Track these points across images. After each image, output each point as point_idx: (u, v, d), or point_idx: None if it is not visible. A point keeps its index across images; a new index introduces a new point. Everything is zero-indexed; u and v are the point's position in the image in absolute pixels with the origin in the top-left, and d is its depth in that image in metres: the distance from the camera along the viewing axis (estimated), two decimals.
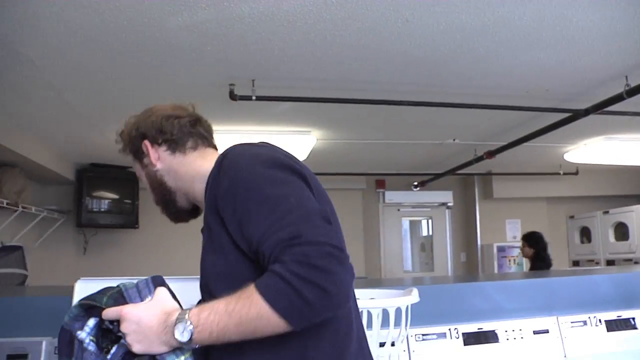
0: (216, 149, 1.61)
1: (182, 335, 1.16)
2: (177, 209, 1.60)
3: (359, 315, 1.43)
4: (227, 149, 1.35)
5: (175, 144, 1.55)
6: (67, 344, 1.35)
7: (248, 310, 1.11)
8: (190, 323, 1.16)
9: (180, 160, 1.54)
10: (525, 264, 7.84)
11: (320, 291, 1.08)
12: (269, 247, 1.13)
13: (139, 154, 1.60)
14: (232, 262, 1.25)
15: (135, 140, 1.58)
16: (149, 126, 1.56)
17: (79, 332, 1.33)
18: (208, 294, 1.30)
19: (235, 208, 1.22)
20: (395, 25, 3.09)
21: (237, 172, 1.25)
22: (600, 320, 2.75)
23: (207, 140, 1.60)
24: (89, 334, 1.34)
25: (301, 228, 1.13)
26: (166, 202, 1.60)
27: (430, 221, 9.26)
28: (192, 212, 1.61)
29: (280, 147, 1.42)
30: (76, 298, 1.89)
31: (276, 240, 1.12)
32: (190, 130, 1.56)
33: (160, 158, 1.55)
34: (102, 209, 7.16)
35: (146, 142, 1.56)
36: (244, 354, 1.22)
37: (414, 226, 9.49)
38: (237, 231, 1.21)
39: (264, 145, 1.38)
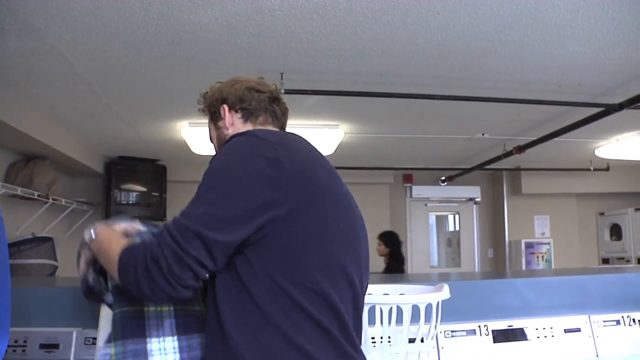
0: (282, 127, 1.75)
1: (85, 234, 1.62)
2: None
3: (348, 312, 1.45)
4: (247, 131, 1.53)
5: (249, 114, 1.67)
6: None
7: (111, 254, 1.41)
8: (93, 231, 1.60)
9: (248, 129, 1.62)
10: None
11: (145, 286, 1.32)
12: (164, 227, 1.37)
13: (215, 116, 1.72)
14: None
15: (216, 102, 1.71)
16: (232, 93, 1.69)
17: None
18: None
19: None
20: (426, 18, 3.05)
21: (215, 158, 1.45)
22: (634, 319, 2.69)
23: (278, 120, 1.72)
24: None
25: (178, 236, 1.31)
26: None
27: (457, 216, 9.20)
28: None
29: (305, 142, 1.58)
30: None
31: (166, 229, 1.35)
32: (267, 107, 1.69)
33: (233, 123, 1.67)
34: (131, 202, 7.23)
35: (225, 106, 1.68)
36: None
37: (441, 221, 9.44)
38: None
39: (265, 140, 1.44)
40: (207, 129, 1.79)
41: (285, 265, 1.35)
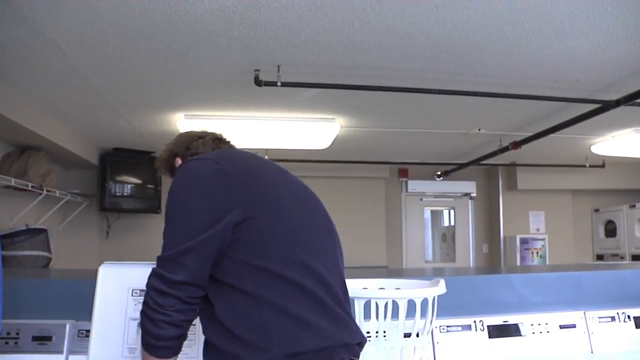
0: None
1: None
2: None
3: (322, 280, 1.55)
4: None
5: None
6: None
7: None
8: None
9: None
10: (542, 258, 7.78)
11: (144, 334, 1.45)
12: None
13: (174, 171, 1.93)
14: None
15: (169, 160, 1.94)
16: (179, 146, 1.94)
17: None
18: None
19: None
20: (425, 12, 3.03)
21: (170, 186, 1.59)
22: (629, 316, 2.69)
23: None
24: None
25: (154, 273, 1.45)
26: None
27: (452, 211, 9.21)
28: None
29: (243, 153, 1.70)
30: (100, 282, 1.90)
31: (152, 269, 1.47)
32: (212, 146, 1.91)
33: None
34: (125, 194, 7.21)
35: (177, 159, 1.92)
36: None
37: (436, 216, 9.44)
38: None
39: (210, 159, 1.59)
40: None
41: (260, 250, 1.47)
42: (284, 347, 1.40)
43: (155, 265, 1.46)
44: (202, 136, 1.94)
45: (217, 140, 1.94)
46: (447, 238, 9.34)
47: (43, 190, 5.48)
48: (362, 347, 1.58)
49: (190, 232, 1.44)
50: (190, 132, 2.00)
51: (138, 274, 1.86)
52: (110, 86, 4.36)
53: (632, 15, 3.08)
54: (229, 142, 1.99)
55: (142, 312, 1.44)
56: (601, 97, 4.42)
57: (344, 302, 1.58)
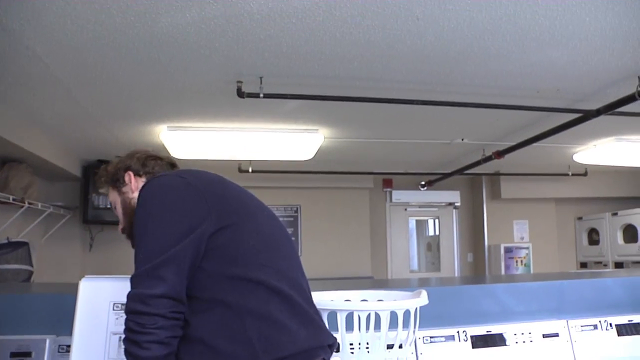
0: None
1: None
2: None
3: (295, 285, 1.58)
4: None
5: (152, 176, 1.83)
6: None
7: None
8: None
9: None
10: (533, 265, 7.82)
11: (138, 350, 1.38)
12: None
13: (118, 184, 1.89)
14: None
15: (119, 171, 1.88)
16: (135, 161, 1.90)
17: None
18: None
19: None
20: (406, 23, 3.05)
21: (136, 207, 1.56)
22: (611, 324, 2.71)
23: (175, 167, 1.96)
24: None
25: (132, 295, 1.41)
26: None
27: (437, 221, 9.23)
28: None
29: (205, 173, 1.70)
30: (80, 296, 1.88)
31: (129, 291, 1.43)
32: (167, 169, 1.91)
33: (139, 187, 1.73)
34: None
35: (130, 172, 1.87)
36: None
37: (421, 226, 9.45)
38: None
39: (169, 175, 1.64)
40: (113, 194, 1.93)
41: (236, 258, 1.48)
42: (269, 354, 1.40)
43: (130, 288, 1.42)
44: (159, 157, 1.94)
45: (173, 166, 1.96)
46: (432, 247, 9.35)
47: (25, 203, 5.42)
48: (334, 348, 1.60)
49: (164, 245, 1.43)
50: (145, 150, 1.98)
51: (119, 288, 1.84)
52: (93, 97, 4.33)
53: (610, 26, 3.11)
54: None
55: (126, 339, 1.39)
56: (582, 107, 4.46)
57: (313, 304, 1.62)
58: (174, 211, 1.48)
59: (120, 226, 1.92)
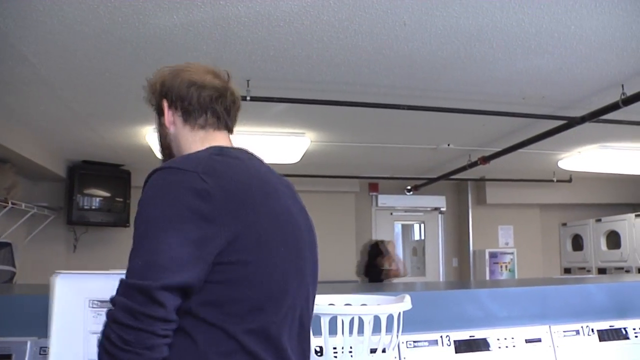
0: (227, 130, 1.59)
1: None
2: None
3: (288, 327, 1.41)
4: (164, 164, 1.36)
5: (189, 115, 1.53)
6: None
7: None
8: None
9: (186, 133, 1.54)
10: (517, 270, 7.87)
11: None
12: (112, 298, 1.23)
13: (158, 110, 1.58)
14: None
15: (158, 96, 1.56)
16: (173, 87, 1.52)
17: None
18: None
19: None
20: (393, 28, 3.06)
21: (140, 202, 1.32)
22: (592, 329, 2.73)
23: (220, 120, 1.55)
24: None
25: (123, 299, 1.20)
26: None
27: (422, 226, 9.25)
28: None
29: (245, 157, 1.48)
30: (55, 294, 1.82)
31: (112, 299, 1.22)
32: (207, 106, 1.52)
33: (174, 123, 1.54)
34: (93, 207, 7.11)
35: (165, 102, 1.54)
36: None
37: (406, 230, 9.47)
38: None
39: (190, 171, 1.31)
40: (155, 114, 1.62)
41: (227, 306, 1.27)
42: None
43: (118, 292, 1.22)
44: (202, 85, 1.52)
45: (217, 98, 1.54)
46: (417, 252, 9.37)
47: (8, 203, 5.38)
48: None
49: (167, 264, 1.21)
50: (192, 70, 1.55)
51: (95, 284, 1.79)
52: (80, 98, 4.31)
53: (595, 34, 3.14)
54: (234, 100, 1.60)
55: (103, 350, 1.19)
56: (567, 114, 4.50)
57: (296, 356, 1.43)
58: (182, 223, 1.25)
59: (161, 155, 1.63)
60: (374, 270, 6.12)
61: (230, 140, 1.58)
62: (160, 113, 1.57)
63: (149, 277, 1.20)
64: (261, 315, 1.31)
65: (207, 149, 1.45)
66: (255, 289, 1.30)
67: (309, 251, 1.51)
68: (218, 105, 1.53)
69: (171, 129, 1.54)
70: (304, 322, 1.48)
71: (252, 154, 1.55)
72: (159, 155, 1.64)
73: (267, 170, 1.55)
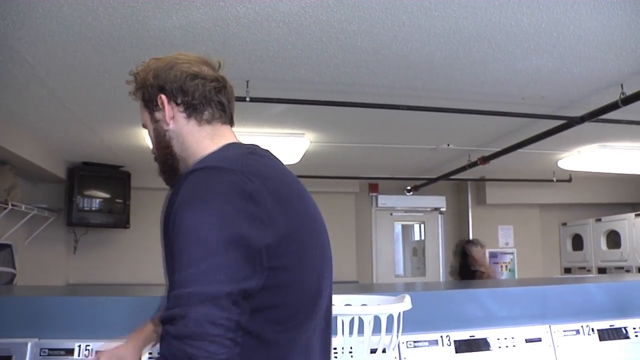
0: (231, 124, 1.51)
1: None
2: (176, 177, 1.45)
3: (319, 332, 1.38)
4: (196, 167, 1.27)
5: (193, 110, 1.42)
6: None
7: None
8: None
9: (192, 129, 1.43)
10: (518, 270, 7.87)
11: None
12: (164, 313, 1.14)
13: (151, 105, 1.45)
14: None
15: (151, 88, 1.44)
16: (171, 79, 1.41)
17: None
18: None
19: (170, 239, 1.21)
20: (392, 29, 3.06)
21: (180, 211, 1.19)
22: (592, 329, 2.73)
23: (225, 113, 1.46)
24: None
25: (184, 314, 1.09)
26: (166, 166, 1.48)
27: (422, 226, 9.24)
28: None
29: (269, 156, 1.42)
30: None
31: (165, 313, 1.13)
32: (213, 98, 1.43)
33: (175, 118, 1.43)
34: (93, 208, 7.11)
35: (163, 97, 1.42)
36: None
37: (406, 231, 9.46)
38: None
39: (225, 172, 1.24)
40: (144, 114, 1.50)
41: (267, 313, 1.21)
42: None
43: (181, 303, 1.10)
44: (204, 76, 1.43)
45: (220, 90, 1.45)
46: (417, 252, 9.37)
47: (8, 205, 5.38)
48: None
49: (227, 270, 1.13)
50: (187, 61, 1.45)
51: None
52: (79, 99, 4.31)
53: (594, 34, 3.14)
54: (233, 90, 1.52)
55: None
56: (566, 114, 4.50)
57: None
58: (235, 228, 1.16)
59: (154, 155, 1.52)
60: (467, 271, 6.03)
61: (235, 135, 1.49)
62: (153, 108, 1.45)
63: (214, 283, 1.11)
64: (298, 320, 1.26)
65: (234, 146, 1.40)
66: (295, 294, 1.25)
67: (329, 250, 1.46)
68: (222, 97, 1.45)
69: (171, 125, 1.43)
70: (329, 321, 1.45)
71: (270, 152, 1.48)
72: (154, 153, 1.53)
73: (287, 168, 1.47)
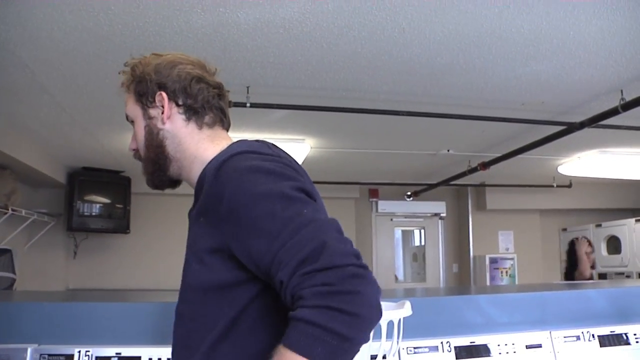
0: (227, 128, 1.48)
1: None
2: (164, 178, 1.44)
3: None
4: (225, 156, 1.23)
5: (194, 113, 1.38)
6: None
7: None
8: None
9: (191, 132, 1.38)
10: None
11: (353, 318, 1.00)
12: (286, 275, 1.04)
13: (145, 99, 1.40)
14: (221, 277, 1.20)
15: (150, 84, 1.39)
16: (174, 79, 1.38)
17: None
18: (185, 302, 1.28)
19: (239, 229, 1.13)
20: (392, 35, 3.07)
21: (237, 188, 1.14)
22: (593, 335, 2.72)
23: (225, 118, 1.45)
24: None
25: (317, 248, 1.03)
26: (156, 166, 1.42)
27: (422, 231, 9.25)
28: (174, 182, 1.47)
29: (281, 150, 1.37)
30: None
31: (293, 266, 1.03)
32: (215, 104, 1.40)
33: (172, 119, 1.38)
34: (93, 213, 7.11)
35: (163, 94, 1.37)
36: None
37: (407, 236, 9.46)
38: (244, 253, 1.14)
39: (262, 154, 1.25)
40: (135, 108, 1.45)
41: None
42: None
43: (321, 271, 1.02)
44: (208, 81, 1.41)
45: (221, 96, 1.44)
46: (417, 258, 9.37)
47: (8, 210, 5.38)
48: None
49: (314, 211, 1.12)
50: (189, 62, 1.43)
51: None
52: (79, 104, 4.31)
53: (594, 40, 3.15)
54: (227, 93, 1.48)
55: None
56: (566, 119, 4.50)
57: None
58: (296, 181, 1.19)
59: (132, 146, 1.50)
60: (573, 273, 5.89)
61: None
62: (147, 104, 1.41)
63: (343, 254, 1.05)
64: None
65: (246, 140, 1.35)
66: None
67: None
68: (223, 104, 1.44)
69: (166, 125, 1.39)
70: None
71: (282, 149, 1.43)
72: (142, 152, 1.47)
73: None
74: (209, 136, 1.40)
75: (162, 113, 1.38)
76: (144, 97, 1.40)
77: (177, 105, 1.38)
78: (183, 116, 1.39)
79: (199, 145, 1.38)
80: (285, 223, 1.08)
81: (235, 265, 1.16)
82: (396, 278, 9.19)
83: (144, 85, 1.40)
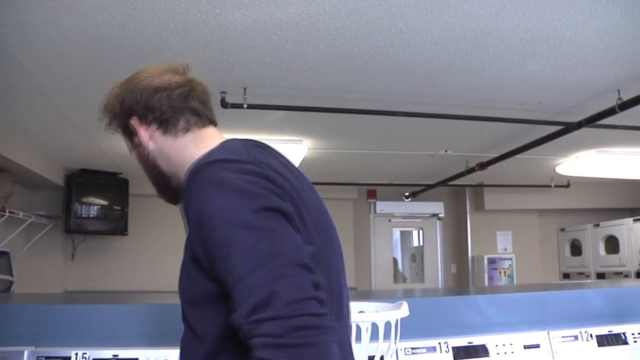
0: (212, 123, 1.43)
1: None
2: (173, 191, 1.42)
3: (347, 333, 1.35)
4: (201, 164, 1.24)
5: (166, 124, 1.35)
6: None
7: None
8: None
9: (172, 143, 1.36)
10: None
11: None
12: (239, 317, 1.03)
13: (127, 132, 1.40)
14: (202, 289, 1.18)
15: (121, 117, 1.39)
16: (135, 101, 1.35)
17: None
18: (183, 314, 1.26)
19: (203, 244, 1.13)
20: (389, 35, 3.07)
21: (206, 203, 1.13)
22: (591, 335, 2.73)
23: (200, 117, 1.39)
24: None
25: (267, 297, 1.02)
26: (160, 186, 1.43)
27: (421, 232, 9.25)
28: None
29: (274, 150, 1.37)
30: None
31: (246, 310, 1.02)
32: (182, 106, 1.35)
33: (152, 138, 1.37)
34: (91, 215, 7.10)
35: (133, 121, 1.37)
36: None
37: (405, 237, 9.46)
38: (209, 268, 1.13)
39: (240, 162, 1.22)
40: (125, 139, 1.45)
41: None
42: None
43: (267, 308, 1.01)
44: (167, 87, 1.36)
45: (188, 95, 1.38)
46: (416, 258, 9.37)
47: (6, 212, 5.37)
48: None
49: (277, 243, 1.08)
50: (148, 75, 1.38)
51: None
52: (76, 106, 4.31)
53: (590, 40, 3.15)
54: (204, 90, 1.44)
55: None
56: (564, 119, 4.50)
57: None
58: (266, 206, 1.13)
59: (150, 180, 1.47)
60: None
61: (220, 134, 1.43)
62: (130, 134, 1.41)
63: (295, 302, 1.03)
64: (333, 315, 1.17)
65: (233, 140, 1.35)
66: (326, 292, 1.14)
67: (341, 247, 1.40)
68: (193, 102, 1.38)
69: (151, 146, 1.38)
70: (349, 321, 1.41)
71: (272, 147, 1.43)
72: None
73: (292, 163, 1.43)
74: (190, 141, 1.37)
75: (141, 136, 1.38)
76: (125, 130, 1.41)
77: (149, 124, 1.36)
78: (159, 131, 1.37)
79: (184, 153, 1.36)
80: (243, 255, 1.07)
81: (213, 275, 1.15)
82: (403, 276, 9.20)
83: (118, 119, 1.40)
